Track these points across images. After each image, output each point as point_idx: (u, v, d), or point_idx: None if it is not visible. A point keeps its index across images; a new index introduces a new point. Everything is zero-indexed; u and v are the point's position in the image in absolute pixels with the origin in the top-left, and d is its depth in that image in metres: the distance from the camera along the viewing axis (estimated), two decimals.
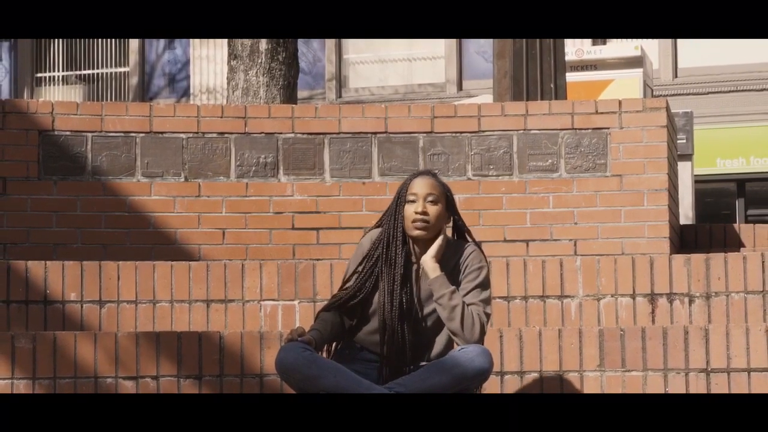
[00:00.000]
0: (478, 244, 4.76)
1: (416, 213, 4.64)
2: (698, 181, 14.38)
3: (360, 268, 4.70)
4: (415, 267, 4.69)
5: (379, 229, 4.75)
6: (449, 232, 4.80)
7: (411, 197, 4.67)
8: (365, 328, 4.69)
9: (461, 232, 4.79)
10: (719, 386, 4.87)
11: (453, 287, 4.60)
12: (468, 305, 4.57)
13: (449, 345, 4.67)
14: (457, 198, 6.56)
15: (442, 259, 4.67)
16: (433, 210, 4.66)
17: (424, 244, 4.69)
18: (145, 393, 4.95)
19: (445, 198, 4.73)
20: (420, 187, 4.69)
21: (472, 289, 4.63)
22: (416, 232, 4.65)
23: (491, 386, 4.94)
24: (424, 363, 4.63)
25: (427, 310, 4.66)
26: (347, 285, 4.70)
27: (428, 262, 4.62)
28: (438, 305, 4.59)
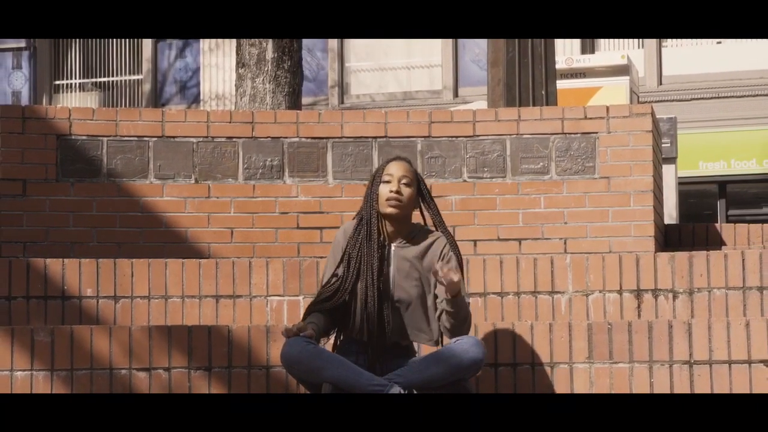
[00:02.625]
0: (448, 232, 4.80)
1: (391, 192, 4.71)
2: (682, 182, 14.39)
3: (339, 271, 4.72)
4: (387, 247, 4.74)
5: (353, 222, 4.79)
6: (421, 221, 4.88)
7: (387, 177, 4.75)
8: (352, 319, 4.71)
9: (435, 220, 4.83)
10: (702, 377, 4.87)
11: (468, 301, 4.66)
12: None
13: (429, 325, 4.71)
14: (454, 199, 6.58)
15: (413, 244, 4.72)
16: (406, 191, 4.74)
17: (396, 224, 4.74)
18: (156, 393, 4.95)
19: (417, 184, 4.81)
20: (396, 169, 4.76)
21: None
22: (389, 210, 4.70)
23: (486, 377, 4.93)
24: (405, 343, 4.68)
25: (400, 290, 4.70)
26: (330, 282, 4.71)
27: (456, 283, 4.50)
28: (453, 317, 4.58)
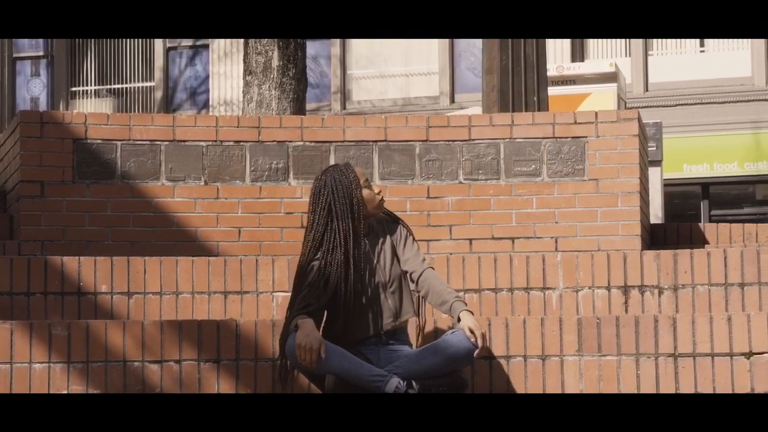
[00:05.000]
0: (389, 212, 4.91)
1: (378, 195, 4.81)
2: (667, 184, 14.36)
3: (318, 263, 4.73)
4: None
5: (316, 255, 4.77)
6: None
7: (364, 183, 4.80)
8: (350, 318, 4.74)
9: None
10: (686, 369, 4.87)
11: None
12: (424, 271, 4.73)
13: (411, 303, 4.78)
14: (450, 200, 6.59)
15: (374, 233, 4.79)
16: None
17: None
18: (168, 384, 4.96)
19: None
20: (364, 174, 4.83)
21: (416, 256, 4.79)
22: (377, 210, 4.81)
23: (480, 369, 4.93)
24: (392, 322, 4.70)
25: (390, 272, 4.75)
26: (310, 268, 4.73)
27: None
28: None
